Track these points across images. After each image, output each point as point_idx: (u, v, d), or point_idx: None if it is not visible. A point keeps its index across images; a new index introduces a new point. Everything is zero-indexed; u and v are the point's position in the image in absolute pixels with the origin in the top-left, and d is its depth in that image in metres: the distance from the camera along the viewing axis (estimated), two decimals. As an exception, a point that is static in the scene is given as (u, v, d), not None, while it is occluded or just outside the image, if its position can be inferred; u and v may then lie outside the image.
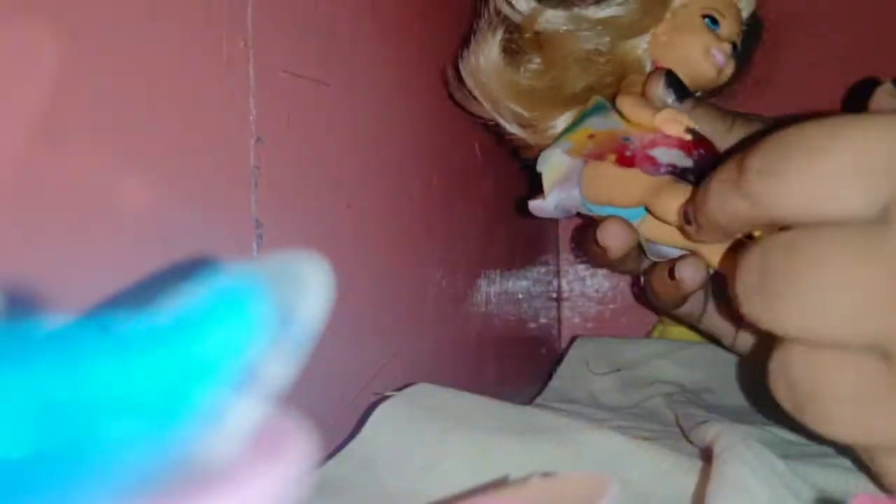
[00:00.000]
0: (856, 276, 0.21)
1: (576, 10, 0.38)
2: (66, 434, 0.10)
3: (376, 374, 0.32)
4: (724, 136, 0.38)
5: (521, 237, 0.54)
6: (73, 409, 0.11)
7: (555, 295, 0.63)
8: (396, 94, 0.35)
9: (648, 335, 0.60)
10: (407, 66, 0.36)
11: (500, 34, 0.38)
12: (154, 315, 0.12)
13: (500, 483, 0.26)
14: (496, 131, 0.42)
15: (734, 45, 0.40)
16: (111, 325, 0.12)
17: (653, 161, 0.36)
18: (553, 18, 0.38)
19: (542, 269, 0.59)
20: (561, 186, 0.39)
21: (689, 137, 0.36)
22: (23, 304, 0.15)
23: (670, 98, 0.38)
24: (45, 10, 0.17)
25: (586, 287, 0.64)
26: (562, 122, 0.40)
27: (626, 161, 0.36)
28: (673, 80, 0.38)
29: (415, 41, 0.37)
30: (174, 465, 0.11)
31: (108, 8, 0.19)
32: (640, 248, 0.39)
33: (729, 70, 0.40)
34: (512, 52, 0.39)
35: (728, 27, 0.40)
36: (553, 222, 0.63)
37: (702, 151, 0.37)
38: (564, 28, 0.38)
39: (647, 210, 0.37)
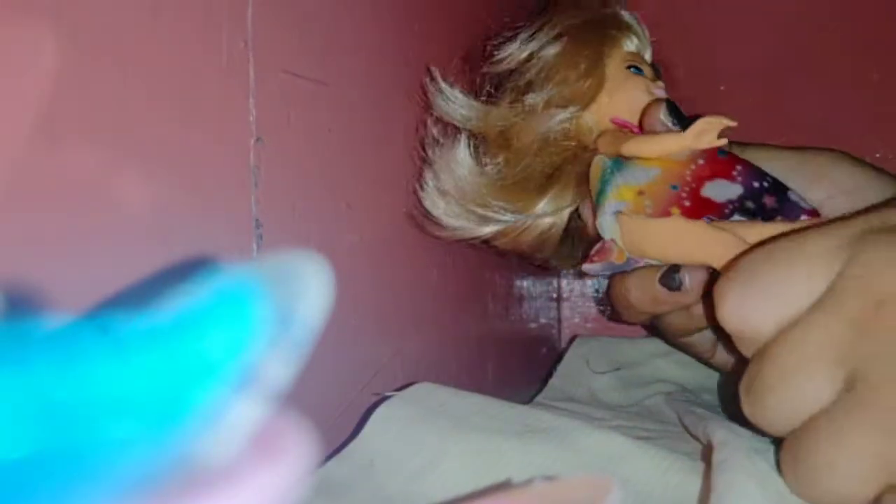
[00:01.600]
0: (806, 339, 0.25)
1: (523, 98, 0.38)
2: (66, 434, 0.10)
3: (376, 373, 0.32)
4: None
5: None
6: (72, 409, 0.11)
7: (555, 295, 0.63)
8: (396, 94, 0.35)
9: (648, 335, 0.60)
10: (407, 66, 0.36)
11: (463, 140, 0.37)
12: (154, 315, 0.12)
13: (503, 486, 0.26)
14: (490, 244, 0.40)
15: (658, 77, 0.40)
16: (111, 325, 0.12)
17: (709, 204, 0.34)
18: (502, 116, 0.37)
19: (542, 269, 0.59)
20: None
21: (724, 142, 0.35)
22: (23, 304, 0.15)
23: (671, 123, 0.37)
24: (45, 10, 0.17)
25: (586, 287, 0.64)
26: (543, 206, 0.39)
27: (689, 212, 0.34)
28: (672, 107, 0.37)
29: (415, 41, 0.37)
30: (174, 465, 0.11)
31: (108, 8, 0.19)
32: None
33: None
34: (475, 154, 0.38)
35: (648, 71, 0.40)
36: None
37: (739, 168, 0.36)
38: (518, 121, 0.38)
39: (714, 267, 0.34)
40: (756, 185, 0.35)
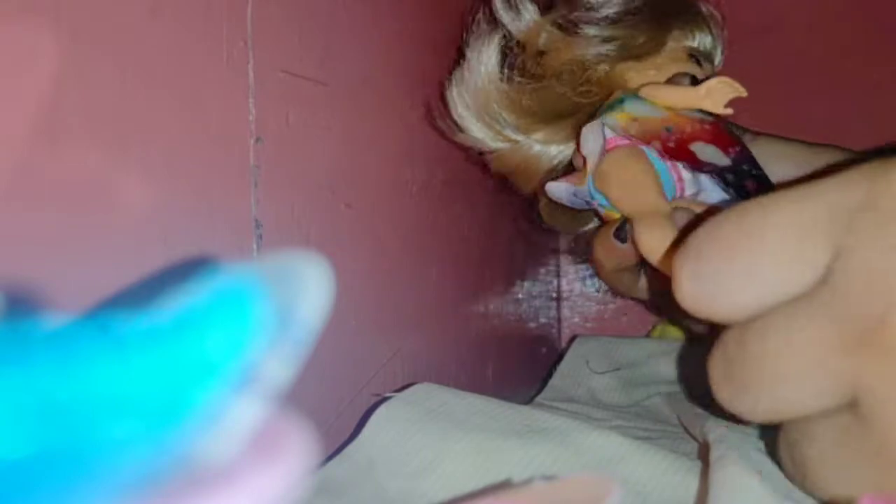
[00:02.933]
0: (803, 345, 0.20)
1: (581, 27, 0.38)
2: (66, 434, 0.10)
3: (376, 373, 0.32)
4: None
5: (521, 237, 0.54)
6: (72, 409, 0.11)
7: (555, 295, 0.63)
8: (396, 94, 0.35)
9: (648, 335, 0.60)
10: (406, 66, 0.36)
11: (496, 40, 0.38)
12: (154, 315, 0.12)
13: (503, 485, 0.26)
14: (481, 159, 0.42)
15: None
16: (111, 325, 0.12)
17: (693, 157, 0.35)
18: (552, 32, 0.38)
19: (542, 269, 0.59)
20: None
21: (729, 111, 0.36)
22: (23, 304, 0.15)
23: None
24: (45, 10, 0.17)
25: (586, 287, 0.64)
26: (540, 137, 0.40)
27: (669, 151, 0.35)
28: (695, 84, 0.37)
29: (415, 41, 0.37)
30: (174, 465, 0.11)
31: (108, 8, 0.19)
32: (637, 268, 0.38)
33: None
34: (505, 61, 0.39)
35: (704, 72, 0.40)
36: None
37: (737, 148, 0.36)
38: (562, 40, 0.38)
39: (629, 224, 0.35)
40: (745, 167, 0.35)
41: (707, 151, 0.35)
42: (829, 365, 0.19)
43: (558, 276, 0.64)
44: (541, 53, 0.39)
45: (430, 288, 0.38)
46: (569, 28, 0.38)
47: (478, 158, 0.43)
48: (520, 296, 0.53)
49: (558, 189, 0.38)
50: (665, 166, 0.36)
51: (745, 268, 0.20)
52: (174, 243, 0.21)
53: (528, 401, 0.44)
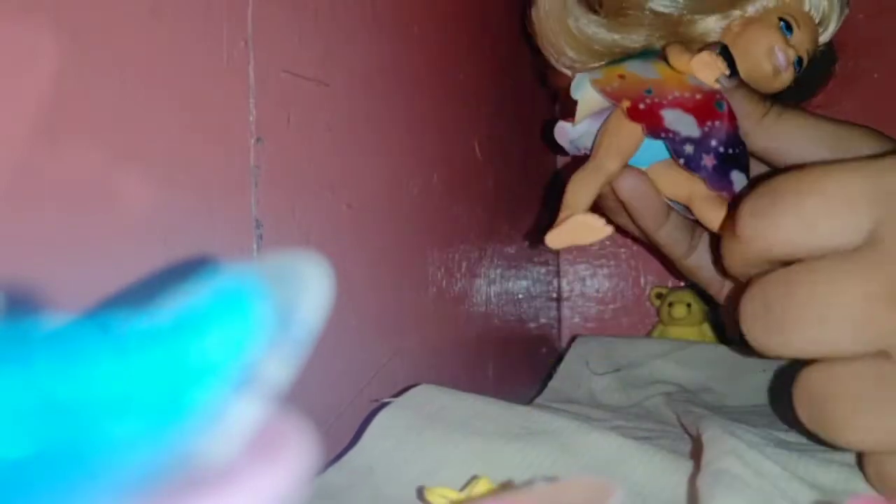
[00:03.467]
0: (852, 293, 0.22)
1: None
2: (66, 434, 0.10)
3: (377, 373, 0.32)
4: (756, 122, 0.37)
5: (522, 237, 0.54)
6: (72, 408, 0.11)
7: (555, 295, 0.63)
8: (396, 94, 0.35)
9: (648, 335, 0.60)
10: (407, 66, 0.36)
11: None
12: (154, 315, 0.12)
13: (504, 486, 0.26)
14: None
15: (799, 59, 0.40)
16: (111, 324, 0.12)
17: (658, 122, 0.36)
18: None
19: (542, 269, 0.59)
20: (591, 119, 0.39)
21: (717, 86, 0.37)
22: (23, 304, 0.15)
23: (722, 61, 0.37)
24: (45, 9, 0.17)
25: (586, 287, 0.64)
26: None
27: (634, 114, 0.36)
28: (725, 55, 0.38)
29: (415, 41, 0.37)
30: (173, 465, 0.11)
31: (108, 8, 0.19)
32: (666, 207, 0.39)
33: (787, 77, 0.40)
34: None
35: (800, 37, 0.40)
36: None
37: (716, 123, 0.37)
38: None
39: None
40: (713, 143, 0.36)
41: (679, 120, 0.36)
42: (874, 314, 0.22)
43: (558, 276, 0.64)
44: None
45: (430, 288, 0.38)
46: None
47: (478, 158, 0.43)
48: (520, 296, 0.53)
49: (566, 133, 0.40)
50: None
51: (802, 213, 0.24)
52: (174, 243, 0.21)
53: (528, 402, 0.44)
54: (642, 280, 0.63)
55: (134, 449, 0.11)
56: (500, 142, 0.49)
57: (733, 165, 0.36)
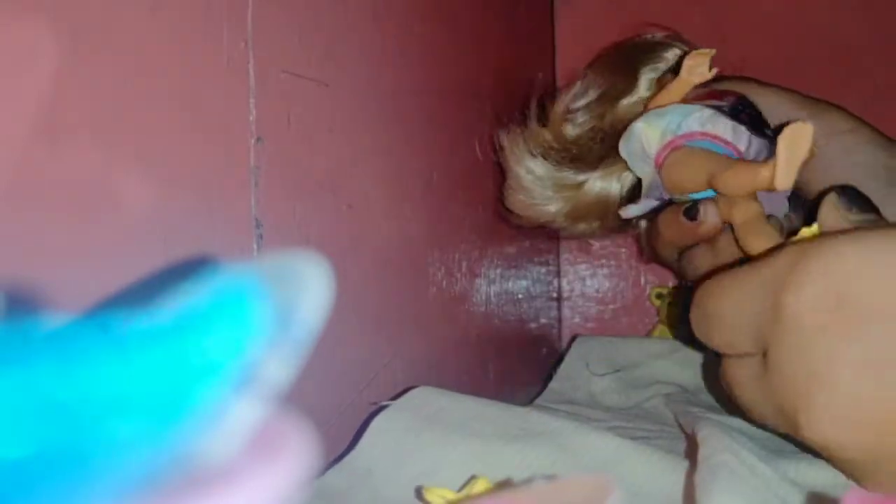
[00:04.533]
0: (748, 308, 0.28)
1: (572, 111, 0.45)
2: (66, 434, 0.10)
3: (377, 374, 0.32)
4: None
5: (522, 237, 0.54)
6: (73, 408, 0.11)
7: (555, 295, 0.63)
8: (396, 94, 0.35)
9: (648, 335, 0.60)
10: (407, 66, 0.36)
11: (523, 150, 0.44)
12: (154, 315, 0.12)
13: (503, 485, 0.26)
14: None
15: None
16: (111, 324, 0.12)
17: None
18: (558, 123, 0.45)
19: (542, 269, 0.59)
20: (648, 193, 0.41)
21: (712, 74, 0.40)
22: (23, 304, 0.15)
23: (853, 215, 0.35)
24: (45, 9, 0.17)
25: (586, 287, 0.64)
26: (600, 172, 0.45)
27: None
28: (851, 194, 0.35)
29: (415, 42, 0.37)
30: (173, 464, 0.11)
31: (108, 8, 0.19)
32: None
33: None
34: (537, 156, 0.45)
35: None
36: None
37: (729, 98, 0.40)
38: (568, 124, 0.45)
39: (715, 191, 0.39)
40: (740, 107, 0.40)
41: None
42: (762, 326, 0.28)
43: (558, 276, 0.64)
44: (557, 137, 0.45)
45: (430, 288, 0.38)
46: (565, 116, 0.45)
47: (478, 158, 0.43)
48: (520, 296, 0.53)
49: (635, 209, 0.42)
50: (709, 143, 0.39)
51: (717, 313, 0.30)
52: (174, 243, 0.21)
53: (528, 403, 0.44)
54: (642, 280, 0.63)
55: (134, 449, 0.11)
56: (500, 142, 0.49)
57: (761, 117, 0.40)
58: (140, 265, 0.20)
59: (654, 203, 0.42)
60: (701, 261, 0.42)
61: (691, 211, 0.40)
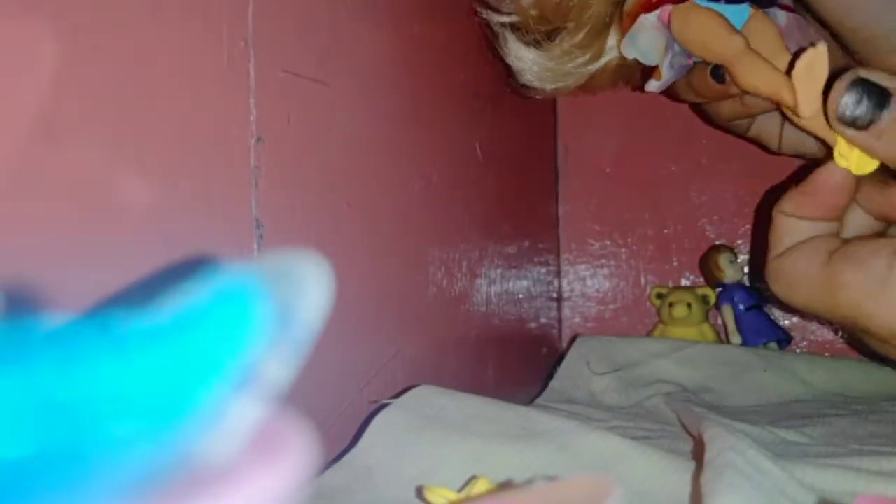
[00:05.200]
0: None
1: None
2: (66, 434, 0.10)
3: (377, 373, 0.32)
4: None
5: (522, 237, 0.54)
6: (73, 408, 0.11)
7: (555, 295, 0.63)
8: (396, 94, 0.35)
9: (649, 335, 0.60)
10: (407, 66, 0.36)
11: (509, 34, 0.41)
12: (154, 314, 0.12)
13: (504, 485, 0.26)
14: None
15: None
16: (111, 324, 0.12)
17: None
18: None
19: (542, 269, 0.59)
20: (667, 57, 0.39)
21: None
22: (23, 304, 0.15)
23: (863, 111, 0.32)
24: (45, 10, 0.17)
25: (586, 287, 0.64)
26: (611, 42, 0.42)
27: (651, 5, 0.37)
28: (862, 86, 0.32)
29: (415, 41, 0.37)
30: (174, 464, 0.11)
31: (108, 8, 0.19)
32: None
33: None
34: (532, 40, 0.42)
35: None
36: (553, 224, 0.63)
37: None
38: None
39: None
40: None
41: None
42: None
43: (558, 276, 0.64)
44: (542, 18, 0.41)
45: (430, 288, 0.38)
46: None
47: (478, 158, 0.43)
48: (520, 296, 0.53)
49: (656, 84, 0.40)
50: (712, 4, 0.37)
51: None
52: (174, 243, 0.21)
53: (529, 402, 0.44)
54: (642, 280, 0.63)
55: (134, 449, 0.11)
56: (500, 142, 0.49)
57: None
58: (140, 265, 0.20)
59: (675, 77, 0.40)
60: (729, 111, 0.42)
61: (718, 72, 0.38)
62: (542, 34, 0.42)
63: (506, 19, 0.42)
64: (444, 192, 0.40)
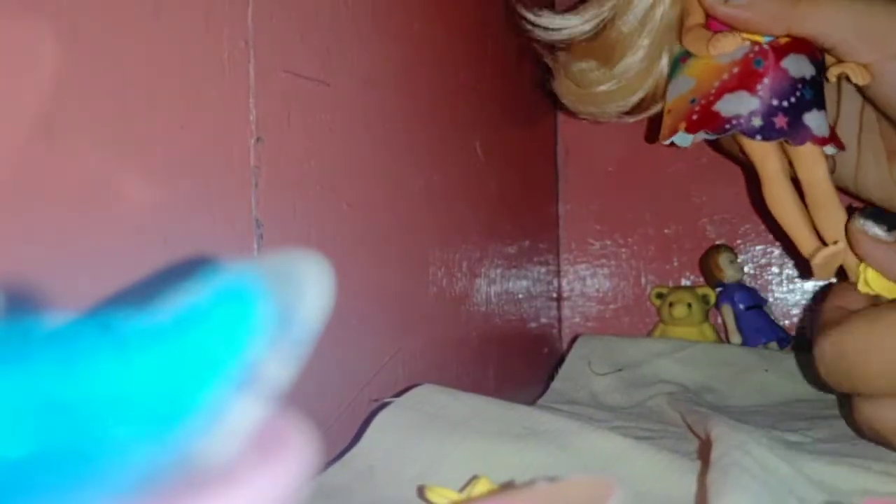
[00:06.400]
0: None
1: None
2: (67, 433, 0.10)
3: (377, 373, 0.32)
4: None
5: (522, 237, 0.54)
6: (73, 407, 0.11)
7: (555, 295, 0.63)
8: (396, 94, 0.35)
9: (649, 335, 0.60)
10: (407, 66, 0.36)
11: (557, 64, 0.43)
12: (155, 314, 0.12)
13: (505, 486, 0.26)
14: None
15: None
16: (112, 324, 0.12)
17: (717, 119, 0.36)
18: (587, 21, 0.40)
19: (543, 269, 0.59)
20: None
21: (746, 43, 0.37)
22: (23, 303, 0.15)
23: (876, 230, 0.36)
24: (45, 10, 0.17)
25: (587, 287, 0.64)
26: (664, 64, 0.41)
27: (693, 126, 0.37)
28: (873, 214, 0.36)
29: (415, 41, 0.37)
30: (174, 464, 0.11)
31: (108, 8, 0.19)
32: None
33: None
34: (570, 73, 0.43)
35: None
36: (554, 223, 0.63)
37: (765, 81, 0.36)
38: (606, 18, 0.40)
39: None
40: (775, 103, 0.36)
41: (732, 103, 0.36)
42: None
43: (559, 276, 0.64)
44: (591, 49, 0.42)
45: (430, 287, 0.38)
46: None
47: (479, 158, 0.43)
48: (520, 296, 0.53)
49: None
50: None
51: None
52: (174, 243, 0.21)
53: (530, 403, 0.44)
54: (643, 280, 0.63)
55: (134, 448, 0.11)
56: (501, 142, 0.49)
57: (802, 110, 0.36)
58: (140, 265, 0.20)
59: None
60: None
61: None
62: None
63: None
64: (444, 192, 0.40)
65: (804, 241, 0.37)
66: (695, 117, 0.37)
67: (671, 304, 0.58)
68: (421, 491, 0.26)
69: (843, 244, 0.36)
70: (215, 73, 0.23)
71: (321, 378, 0.27)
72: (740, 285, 0.58)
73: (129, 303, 0.18)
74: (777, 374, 0.49)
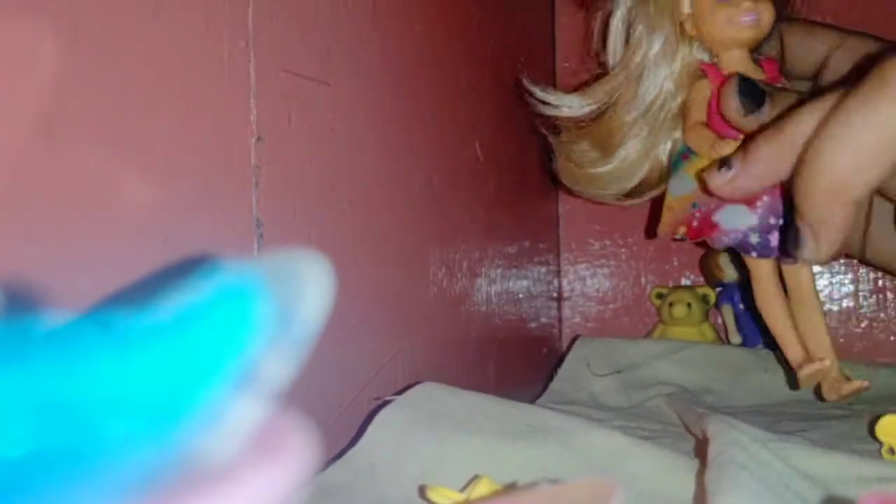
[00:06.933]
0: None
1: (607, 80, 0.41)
2: (66, 433, 0.10)
3: (377, 373, 0.32)
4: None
5: (522, 236, 0.54)
6: (73, 407, 0.11)
7: (555, 295, 0.63)
8: (396, 94, 0.35)
9: (649, 335, 0.60)
10: (407, 66, 0.36)
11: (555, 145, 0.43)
12: (155, 314, 0.12)
13: (508, 487, 0.26)
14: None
15: None
16: (112, 323, 0.12)
17: (716, 230, 0.38)
18: (587, 104, 0.41)
19: (543, 269, 0.59)
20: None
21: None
22: (23, 303, 0.15)
23: (746, 110, 0.36)
24: (45, 10, 0.17)
25: (587, 287, 0.64)
26: (662, 152, 0.42)
27: (693, 233, 0.39)
28: (745, 88, 0.36)
29: (415, 41, 0.37)
30: (174, 464, 0.11)
31: (108, 8, 0.19)
32: None
33: (767, 17, 0.38)
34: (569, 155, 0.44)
35: None
36: (554, 223, 0.63)
37: (765, 199, 0.37)
38: (604, 100, 0.41)
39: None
40: (772, 221, 0.37)
41: (730, 215, 0.38)
42: None
43: (559, 275, 0.64)
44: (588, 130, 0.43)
45: (430, 287, 0.38)
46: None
47: (479, 158, 0.43)
48: (520, 295, 0.53)
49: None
50: None
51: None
52: (174, 243, 0.21)
53: (530, 403, 0.44)
54: (643, 280, 0.63)
55: (134, 448, 0.11)
56: (501, 142, 0.49)
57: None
58: (140, 265, 0.20)
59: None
60: None
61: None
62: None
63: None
64: (444, 192, 0.40)
65: (791, 349, 0.38)
66: (695, 224, 0.39)
67: (671, 304, 0.58)
68: (422, 491, 0.26)
69: (828, 362, 0.37)
70: (215, 73, 0.23)
71: (321, 378, 0.27)
72: (740, 285, 0.58)
73: (129, 302, 0.18)
74: (776, 375, 0.49)
